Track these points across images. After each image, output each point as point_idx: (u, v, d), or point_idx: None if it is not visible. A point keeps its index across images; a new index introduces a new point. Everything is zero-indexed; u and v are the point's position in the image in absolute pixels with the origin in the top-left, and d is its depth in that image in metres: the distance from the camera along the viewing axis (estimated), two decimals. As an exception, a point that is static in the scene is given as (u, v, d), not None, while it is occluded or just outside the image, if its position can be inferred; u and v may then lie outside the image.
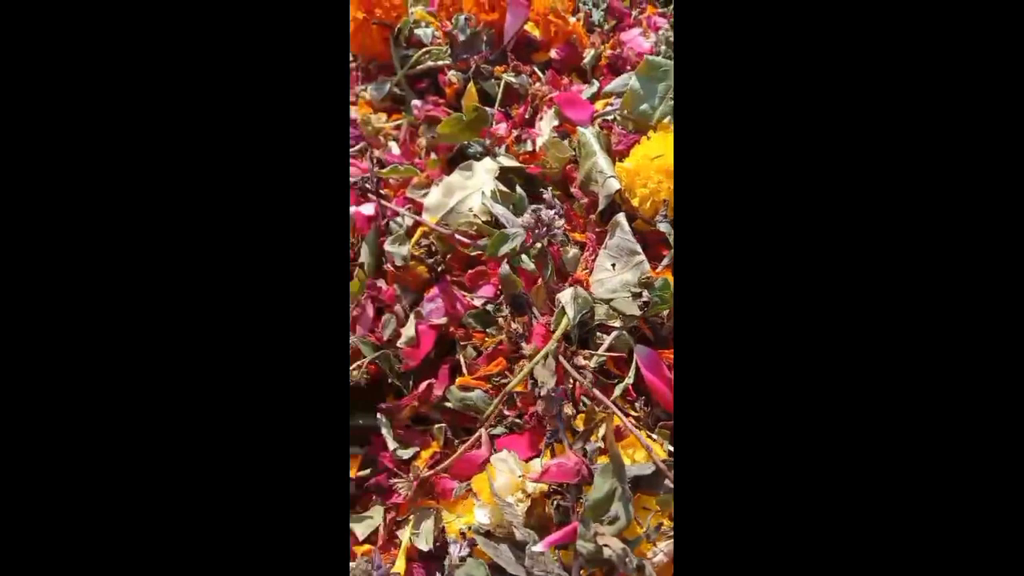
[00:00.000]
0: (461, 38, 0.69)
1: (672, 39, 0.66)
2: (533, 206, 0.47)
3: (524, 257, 0.47)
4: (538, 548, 0.34)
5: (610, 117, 0.59)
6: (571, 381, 0.41)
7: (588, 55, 0.71)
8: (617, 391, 0.43)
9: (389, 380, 0.46)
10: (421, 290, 0.51)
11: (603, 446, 0.36)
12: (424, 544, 0.41)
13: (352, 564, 0.41)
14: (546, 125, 0.60)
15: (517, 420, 0.45)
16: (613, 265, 0.49)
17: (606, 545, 0.32)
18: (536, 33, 0.72)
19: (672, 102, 0.55)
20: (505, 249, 0.45)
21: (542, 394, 0.37)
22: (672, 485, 0.35)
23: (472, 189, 0.54)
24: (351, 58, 0.77)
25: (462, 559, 0.38)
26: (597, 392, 0.39)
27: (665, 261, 0.49)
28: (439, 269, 0.52)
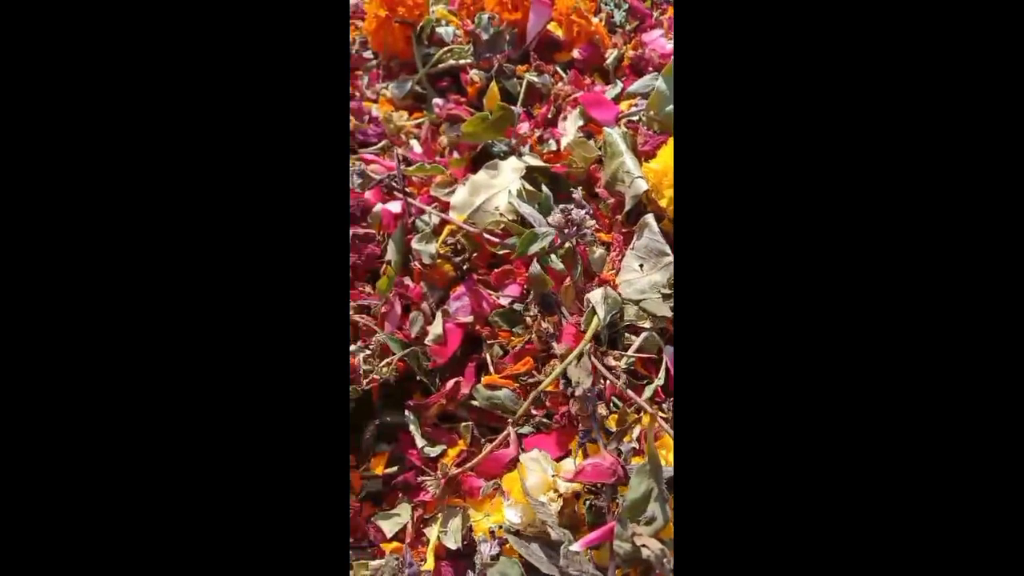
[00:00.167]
0: (484, 37, 0.69)
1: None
2: (562, 206, 0.46)
3: (553, 257, 0.47)
4: (575, 547, 0.34)
5: (635, 118, 0.59)
6: (603, 381, 0.41)
7: (610, 56, 0.71)
8: (647, 392, 0.43)
9: (417, 377, 0.46)
10: (447, 288, 0.51)
11: (638, 446, 0.36)
12: (452, 543, 0.41)
13: (381, 562, 0.41)
14: (571, 125, 0.60)
15: (545, 420, 0.44)
16: (641, 266, 0.49)
17: (644, 546, 0.32)
18: (559, 33, 0.72)
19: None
20: (535, 248, 0.45)
21: (577, 394, 0.37)
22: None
23: (498, 188, 0.54)
24: (372, 56, 0.77)
25: (493, 558, 0.38)
26: (631, 392, 0.39)
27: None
28: (464, 267, 0.52)
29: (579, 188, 0.54)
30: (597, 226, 0.50)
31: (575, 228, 0.45)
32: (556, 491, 0.39)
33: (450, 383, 0.46)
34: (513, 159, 0.57)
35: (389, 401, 0.46)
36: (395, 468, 0.45)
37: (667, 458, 0.37)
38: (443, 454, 0.45)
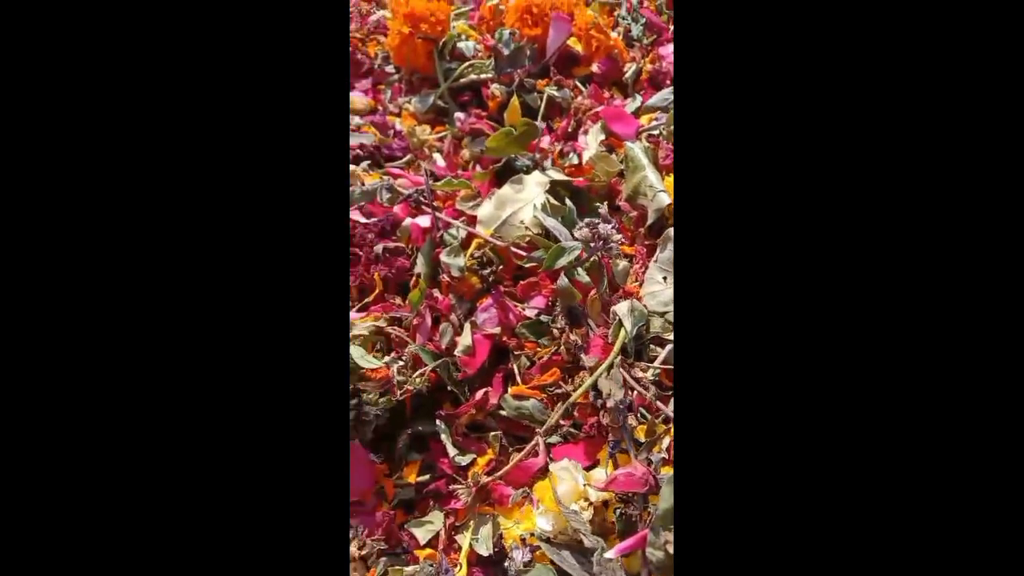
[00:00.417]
0: (505, 52, 0.70)
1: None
2: (588, 219, 0.48)
3: (579, 270, 0.48)
4: (609, 555, 0.35)
5: (656, 132, 0.61)
6: (631, 392, 0.42)
7: (629, 69, 0.72)
8: (673, 403, 0.44)
9: (448, 388, 0.47)
10: (474, 300, 0.52)
11: (668, 457, 0.37)
12: (484, 550, 0.42)
13: (416, 567, 0.42)
14: (593, 139, 0.61)
15: (572, 429, 0.46)
16: (664, 278, 0.50)
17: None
18: (578, 48, 0.73)
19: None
20: (562, 262, 0.47)
21: (609, 405, 0.38)
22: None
23: (524, 202, 0.55)
24: (394, 70, 0.78)
25: (527, 564, 0.39)
26: (660, 404, 0.40)
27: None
28: (491, 279, 0.53)
29: (604, 203, 0.55)
30: (622, 240, 0.52)
31: (602, 242, 0.46)
32: (587, 500, 0.40)
33: (479, 393, 0.47)
34: (537, 173, 0.58)
35: (421, 411, 0.47)
36: (427, 476, 0.46)
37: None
38: (473, 463, 0.46)
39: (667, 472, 0.37)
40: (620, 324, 0.45)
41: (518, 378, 0.48)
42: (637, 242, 0.54)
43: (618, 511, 0.39)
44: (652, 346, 0.47)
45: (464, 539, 0.43)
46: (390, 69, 0.78)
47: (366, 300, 0.52)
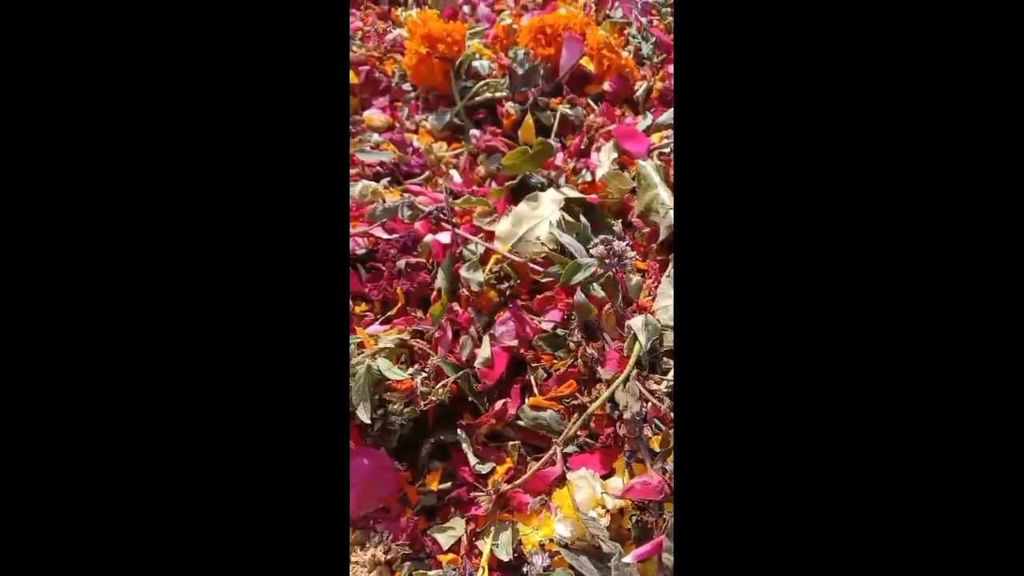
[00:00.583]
0: (519, 71, 0.72)
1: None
2: (603, 236, 0.50)
3: (595, 285, 0.50)
4: (627, 560, 0.36)
5: (667, 150, 0.62)
6: (646, 404, 0.44)
7: (640, 88, 0.74)
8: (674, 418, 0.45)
9: (468, 398, 0.49)
10: (492, 313, 0.54)
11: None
12: (504, 555, 0.44)
13: (439, 572, 0.44)
14: (605, 157, 0.63)
15: (588, 439, 0.47)
16: (676, 293, 0.52)
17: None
18: (590, 67, 0.75)
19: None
20: (579, 278, 0.48)
21: (626, 417, 0.40)
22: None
23: (540, 218, 0.57)
24: (411, 88, 0.80)
25: (546, 569, 0.41)
26: (673, 415, 0.42)
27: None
28: (508, 293, 0.55)
29: (617, 219, 0.57)
30: (636, 256, 0.53)
31: (616, 259, 0.48)
32: (604, 507, 0.42)
33: (498, 404, 0.49)
34: (552, 190, 0.60)
35: (443, 421, 0.49)
36: (449, 484, 0.48)
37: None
38: (493, 471, 0.48)
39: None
40: (635, 338, 0.47)
41: (535, 389, 0.50)
42: (650, 257, 0.56)
43: (634, 518, 0.41)
44: (665, 359, 0.49)
45: (485, 544, 0.45)
46: (407, 87, 0.81)
47: (389, 313, 0.54)
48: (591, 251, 0.49)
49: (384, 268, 0.55)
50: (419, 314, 0.54)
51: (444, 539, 0.46)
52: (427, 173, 0.68)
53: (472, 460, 0.47)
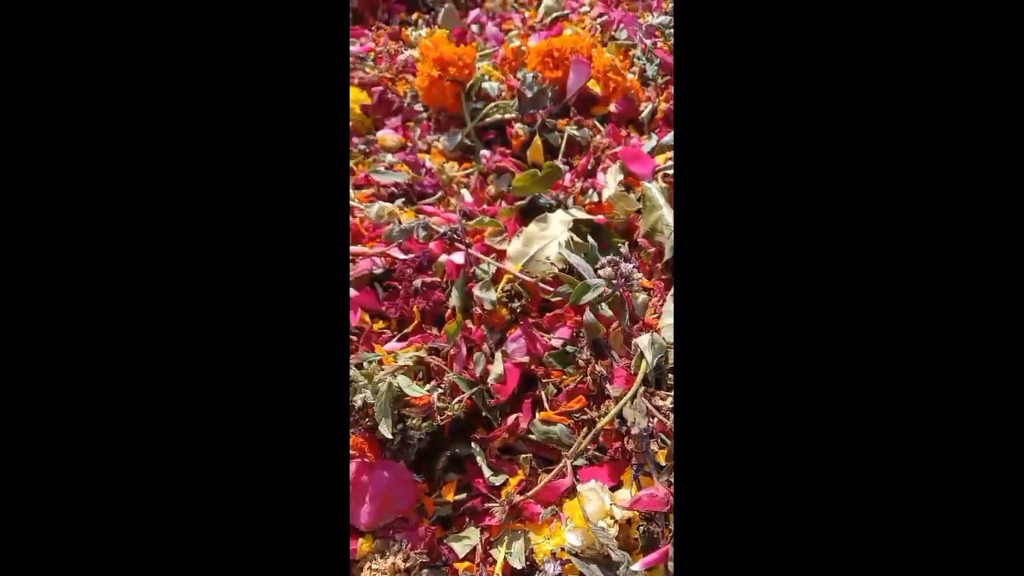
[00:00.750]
0: (528, 94, 0.75)
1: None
2: (610, 258, 0.52)
3: (603, 304, 0.52)
4: (636, 567, 0.39)
5: (671, 171, 0.65)
6: (652, 419, 0.46)
7: (645, 109, 0.77)
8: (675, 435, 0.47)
9: (482, 413, 0.52)
10: (504, 330, 0.57)
11: (687, 479, 0.41)
12: (517, 563, 0.46)
13: (456, 580, 0.46)
14: (612, 179, 0.66)
15: (597, 453, 0.50)
16: (681, 311, 0.54)
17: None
18: (596, 89, 0.78)
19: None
20: (587, 298, 0.51)
21: (633, 432, 0.42)
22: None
23: (549, 239, 0.59)
24: (423, 108, 0.83)
25: (558, 576, 0.43)
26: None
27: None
28: (518, 311, 0.57)
29: (624, 240, 0.60)
30: (642, 276, 0.56)
31: (623, 279, 0.50)
32: (613, 518, 0.44)
33: (511, 419, 0.51)
34: (560, 212, 0.62)
35: (458, 435, 0.51)
36: (464, 495, 0.50)
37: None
38: (506, 483, 0.50)
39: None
40: (642, 356, 0.49)
41: (546, 404, 0.52)
42: (655, 276, 0.59)
43: (641, 528, 0.43)
44: (671, 376, 0.51)
45: (499, 553, 0.47)
46: (419, 107, 0.83)
47: (405, 331, 0.57)
48: (599, 272, 0.51)
49: (401, 287, 0.58)
50: (434, 331, 0.56)
51: (460, 548, 0.48)
52: (440, 193, 0.71)
53: (486, 472, 0.50)
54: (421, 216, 0.64)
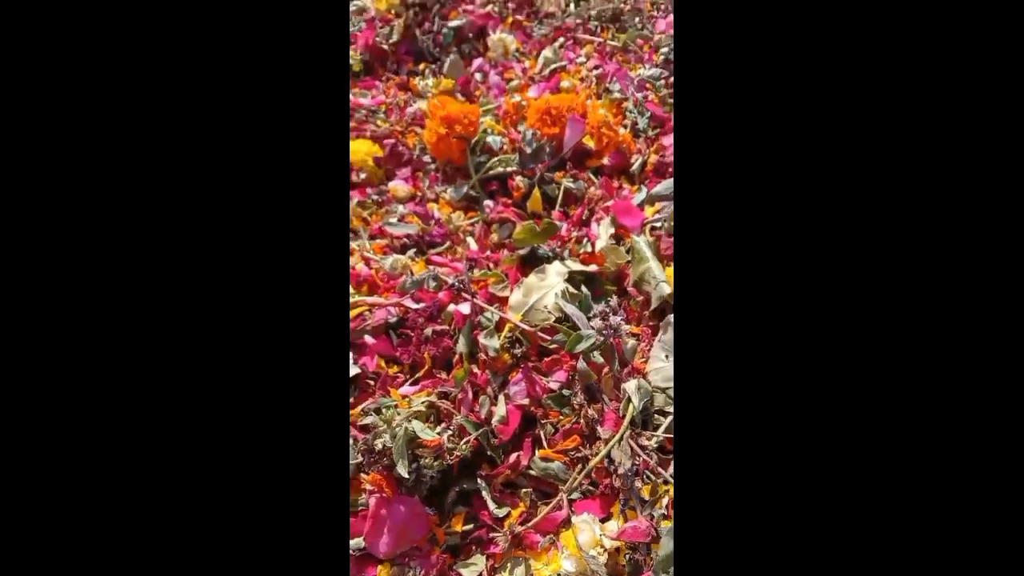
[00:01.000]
0: (528, 150, 0.82)
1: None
2: (600, 310, 0.58)
3: (595, 352, 0.58)
4: (621, 593, 0.44)
5: (659, 225, 0.71)
6: (637, 458, 0.52)
7: (636, 161, 0.83)
8: (674, 467, 0.53)
9: (487, 452, 0.57)
10: (506, 374, 0.63)
11: (667, 512, 0.47)
12: (519, 587, 0.52)
13: (464, 603, 0.52)
14: (604, 231, 0.72)
15: (590, 488, 0.55)
16: (666, 356, 0.60)
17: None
18: (591, 143, 0.84)
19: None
20: (580, 347, 0.57)
21: (620, 472, 0.48)
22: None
23: (546, 289, 0.66)
24: (431, 160, 0.90)
25: (554, 600, 0.49)
26: (660, 469, 0.50)
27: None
28: (519, 356, 0.63)
29: (614, 290, 0.66)
30: (630, 328, 0.62)
31: (612, 331, 0.56)
32: (602, 547, 0.50)
33: (512, 457, 0.57)
34: (557, 263, 0.69)
35: (465, 471, 0.57)
36: (471, 525, 0.56)
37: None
38: (508, 515, 0.56)
39: (667, 525, 0.47)
40: (629, 400, 0.55)
41: (544, 443, 0.58)
42: (643, 323, 0.65)
43: (628, 556, 0.49)
44: (657, 416, 0.57)
45: (502, 579, 0.53)
46: (427, 159, 0.90)
47: (417, 375, 0.63)
48: (591, 322, 0.57)
49: (413, 335, 0.64)
50: (443, 375, 0.62)
51: (468, 574, 0.54)
52: (448, 243, 0.77)
53: (491, 505, 0.55)
54: (431, 267, 0.70)
